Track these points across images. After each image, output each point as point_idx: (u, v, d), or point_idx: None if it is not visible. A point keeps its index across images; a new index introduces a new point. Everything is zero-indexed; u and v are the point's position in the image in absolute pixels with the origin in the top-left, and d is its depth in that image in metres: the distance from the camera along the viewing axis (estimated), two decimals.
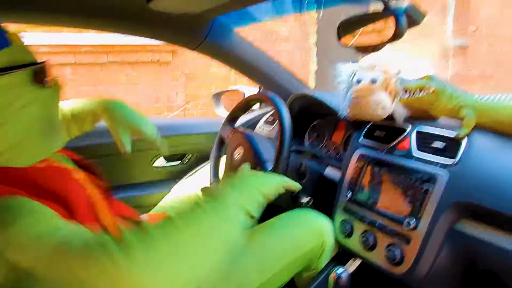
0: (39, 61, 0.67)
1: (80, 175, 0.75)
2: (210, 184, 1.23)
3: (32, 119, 0.65)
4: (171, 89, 4.10)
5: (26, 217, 0.52)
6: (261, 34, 4.45)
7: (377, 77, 0.93)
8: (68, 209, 0.61)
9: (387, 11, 0.72)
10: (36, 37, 3.28)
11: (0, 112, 0.60)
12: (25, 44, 0.67)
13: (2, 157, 0.61)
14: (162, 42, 1.35)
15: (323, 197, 1.11)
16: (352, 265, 0.96)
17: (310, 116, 1.41)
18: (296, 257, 0.97)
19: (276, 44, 4.61)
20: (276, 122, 1.45)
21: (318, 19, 4.66)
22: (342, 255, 1.04)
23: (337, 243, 1.03)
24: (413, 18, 0.79)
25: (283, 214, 1.06)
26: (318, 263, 1.02)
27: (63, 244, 0.50)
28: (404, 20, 0.71)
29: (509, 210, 0.70)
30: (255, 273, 0.92)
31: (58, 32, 3.50)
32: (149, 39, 1.23)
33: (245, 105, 1.21)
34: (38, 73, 0.65)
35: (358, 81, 0.96)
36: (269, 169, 0.99)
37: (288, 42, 4.67)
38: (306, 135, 1.43)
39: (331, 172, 1.16)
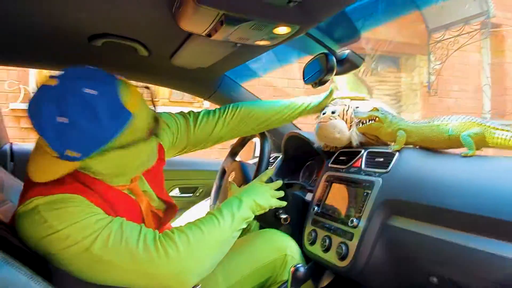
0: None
1: (143, 202, 0.90)
2: (210, 207, 1.46)
3: (141, 162, 0.83)
4: (211, 152, 4.49)
5: (86, 207, 0.72)
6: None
7: (336, 109, 1.17)
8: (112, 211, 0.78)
9: (323, 53, 0.99)
10: None
11: (127, 167, 0.79)
12: (139, 100, 0.77)
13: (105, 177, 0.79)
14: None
15: (303, 217, 1.28)
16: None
17: (305, 158, 1.63)
18: (258, 267, 1.12)
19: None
20: (275, 161, 1.68)
21: None
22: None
23: (306, 254, 1.17)
24: (353, 62, 1.05)
25: (251, 233, 1.25)
26: (282, 275, 1.15)
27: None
28: (332, 58, 0.97)
29: (422, 200, 0.86)
30: (221, 277, 1.08)
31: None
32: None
33: (241, 141, 1.48)
34: (151, 130, 0.81)
35: (324, 113, 1.21)
36: None
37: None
38: (301, 174, 1.64)
39: (309, 196, 1.34)
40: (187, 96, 4.62)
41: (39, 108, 0.67)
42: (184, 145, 1.11)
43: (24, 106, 3.51)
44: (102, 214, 0.74)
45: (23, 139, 3.58)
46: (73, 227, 0.69)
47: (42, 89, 0.68)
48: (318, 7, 0.85)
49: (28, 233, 0.70)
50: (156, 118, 0.83)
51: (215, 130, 1.12)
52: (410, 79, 5.97)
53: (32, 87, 3.61)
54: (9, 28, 1.06)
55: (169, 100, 4.58)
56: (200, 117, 1.12)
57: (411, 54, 5.91)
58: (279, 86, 4.70)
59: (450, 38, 5.60)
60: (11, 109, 3.52)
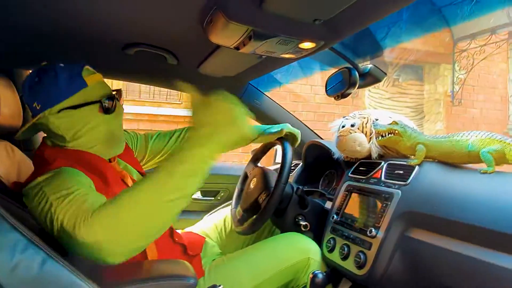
0: (107, 93, 0.98)
1: (127, 178, 1.05)
2: (231, 211, 1.50)
3: (99, 134, 0.97)
4: (232, 156, 4.56)
5: (75, 176, 0.83)
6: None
7: (355, 122, 1.20)
8: (105, 184, 0.91)
9: (346, 68, 1.02)
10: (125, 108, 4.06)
11: (79, 130, 0.93)
12: (98, 82, 0.97)
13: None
14: None
15: (322, 224, 1.31)
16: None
17: (324, 166, 1.66)
18: (282, 269, 1.15)
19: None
20: (295, 168, 1.72)
21: None
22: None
23: (325, 260, 1.20)
24: (375, 76, 1.08)
25: (275, 236, 1.28)
26: (305, 278, 1.19)
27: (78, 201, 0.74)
28: (355, 73, 1.00)
29: (440, 213, 0.88)
30: (247, 277, 1.13)
31: (141, 105, 4.27)
32: None
33: (263, 148, 1.52)
34: (103, 106, 0.97)
35: (343, 126, 1.24)
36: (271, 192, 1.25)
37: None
38: (320, 182, 1.66)
39: (329, 204, 1.37)
40: None
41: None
42: (144, 154, 1.34)
43: None
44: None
45: None
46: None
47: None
48: (342, 24, 0.89)
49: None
50: (111, 97, 1.00)
51: (167, 145, 1.37)
52: (434, 88, 5.89)
53: None
54: (46, 36, 1.13)
55: None
56: (156, 134, 1.39)
57: (435, 63, 5.83)
58: (299, 93, 4.74)
59: (476, 47, 5.51)
60: None
